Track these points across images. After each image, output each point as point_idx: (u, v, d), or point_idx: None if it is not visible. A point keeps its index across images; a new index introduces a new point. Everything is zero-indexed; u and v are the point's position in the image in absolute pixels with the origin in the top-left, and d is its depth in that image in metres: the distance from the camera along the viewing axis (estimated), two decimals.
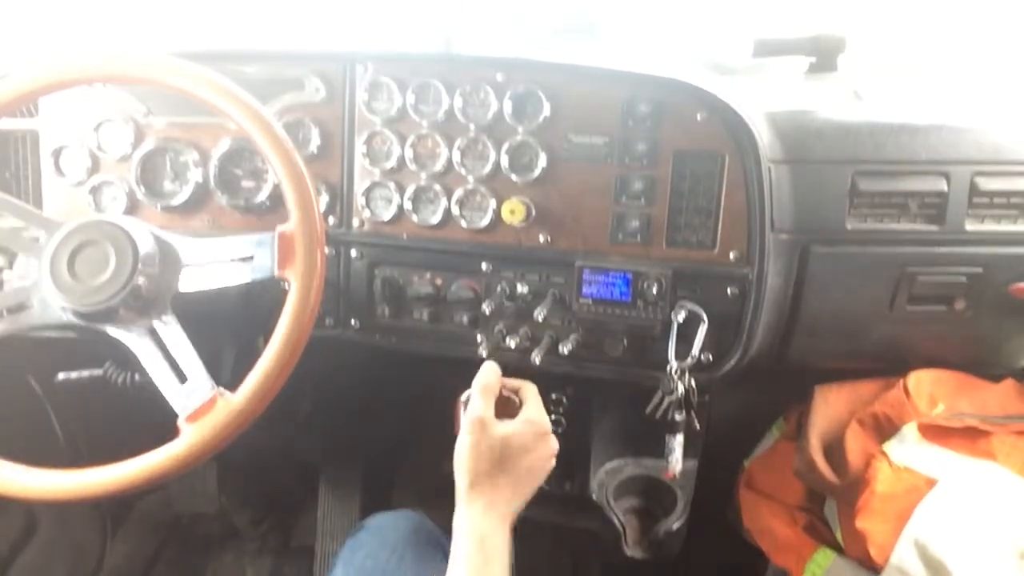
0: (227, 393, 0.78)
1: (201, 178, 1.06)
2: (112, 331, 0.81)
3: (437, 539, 0.98)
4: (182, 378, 0.79)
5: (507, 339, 1.03)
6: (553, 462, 0.82)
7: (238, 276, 0.82)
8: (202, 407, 0.77)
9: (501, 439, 0.77)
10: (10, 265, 0.96)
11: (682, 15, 1.46)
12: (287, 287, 0.80)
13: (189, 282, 0.83)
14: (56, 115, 1.09)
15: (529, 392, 0.85)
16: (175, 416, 0.78)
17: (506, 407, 0.82)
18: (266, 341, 0.79)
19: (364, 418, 1.56)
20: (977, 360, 1.08)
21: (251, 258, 0.82)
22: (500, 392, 0.83)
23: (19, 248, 0.87)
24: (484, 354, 1.03)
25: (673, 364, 0.95)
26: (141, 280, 0.80)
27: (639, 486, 1.14)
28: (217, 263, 0.83)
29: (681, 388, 0.94)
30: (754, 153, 0.92)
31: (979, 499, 0.90)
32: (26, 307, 0.82)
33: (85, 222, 0.83)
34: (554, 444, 0.82)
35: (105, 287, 0.79)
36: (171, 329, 0.81)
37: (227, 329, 1.01)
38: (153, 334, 0.81)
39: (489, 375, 0.83)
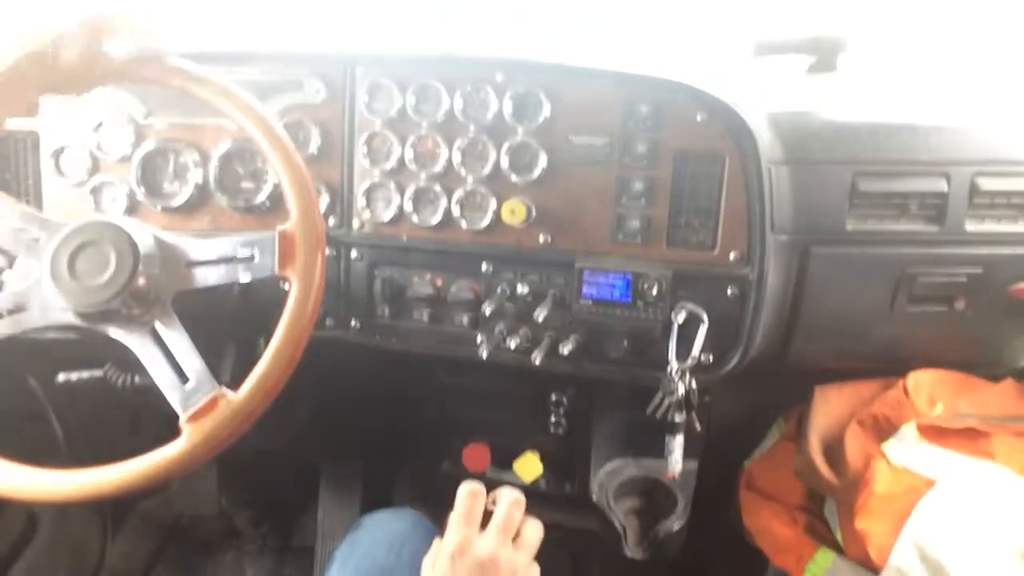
0: (228, 393, 0.78)
1: (201, 179, 1.06)
2: (113, 332, 0.81)
3: (434, 537, 0.97)
4: (183, 378, 0.79)
5: (507, 340, 1.03)
6: None
7: (239, 275, 0.82)
8: (204, 407, 0.77)
9: None
10: (10, 265, 0.96)
11: (682, 15, 1.45)
12: (287, 287, 0.80)
13: (190, 281, 0.83)
14: (56, 116, 1.09)
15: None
16: (176, 416, 0.78)
17: None
18: (267, 341, 0.79)
19: (364, 418, 1.56)
20: (977, 360, 1.08)
21: (252, 257, 0.82)
22: None
23: (19, 249, 0.87)
24: (484, 355, 1.03)
25: (673, 365, 0.95)
26: (141, 280, 0.79)
27: (639, 487, 1.14)
28: (218, 262, 0.83)
29: (681, 389, 0.95)
30: (754, 154, 0.92)
31: (978, 499, 0.90)
32: (25, 308, 0.82)
33: (86, 223, 0.82)
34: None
35: (105, 288, 0.79)
36: (172, 329, 0.80)
37: (228, 329, 1.01)
38: (154, 334, 0.80)
39: None
